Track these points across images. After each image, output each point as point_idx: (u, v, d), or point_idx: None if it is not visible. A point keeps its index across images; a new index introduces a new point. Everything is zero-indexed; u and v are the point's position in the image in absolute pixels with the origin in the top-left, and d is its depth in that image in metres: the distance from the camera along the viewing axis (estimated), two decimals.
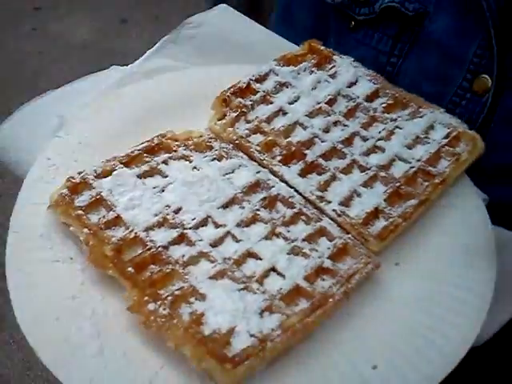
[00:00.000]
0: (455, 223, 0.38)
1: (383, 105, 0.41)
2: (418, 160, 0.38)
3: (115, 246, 0.33)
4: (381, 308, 0.34)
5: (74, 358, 0.29)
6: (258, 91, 0.43)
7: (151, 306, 0.30)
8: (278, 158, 0.39)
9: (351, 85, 0.43)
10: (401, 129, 0.40)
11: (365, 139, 0.40)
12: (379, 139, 0.40)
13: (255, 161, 0.40)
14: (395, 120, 0.40)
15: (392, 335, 0.32)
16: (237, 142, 0.40)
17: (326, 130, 0.41)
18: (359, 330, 0.33)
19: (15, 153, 0.44)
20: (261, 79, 0.44)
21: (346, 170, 0.38)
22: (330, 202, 0.37)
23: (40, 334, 0.30)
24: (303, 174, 0.38)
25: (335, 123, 0.41)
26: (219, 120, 0.42)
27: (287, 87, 0.43)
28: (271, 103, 0.42)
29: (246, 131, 0.41)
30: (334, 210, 0.36)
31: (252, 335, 0.29)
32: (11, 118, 0.46)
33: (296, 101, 0.42)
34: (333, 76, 0.44)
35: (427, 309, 0.34)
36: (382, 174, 0.38)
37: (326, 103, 0.42)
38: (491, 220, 0.38)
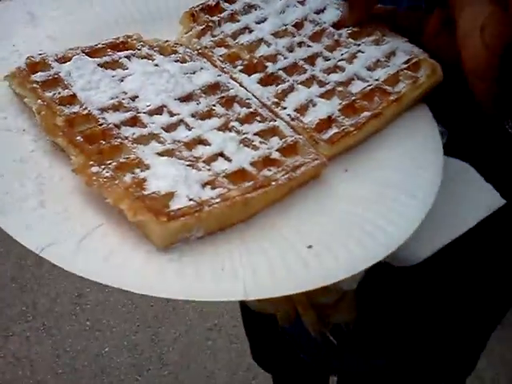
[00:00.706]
0: (407, 141, 0.39)
1: (348, 31, 0.42)
2: (377, 80, 0.39)
3: (67, 118, 0.33)
4: (323, 203, 0.35)
5: (13, 207, 0.29)
6: (226, 10, 0.43)
7: (95, 169, 0.31)
8: (239, 67, 0.40)
9: (319, 12, 0.43)
10: (363, 53, 0.41)
11: (327, 59, 0.41)
12: (341, 60, 0.40)
13: (217, 68, 0.40)
14: (358, 45, 0.41)
15: (330, 224, 0.33)
16: (200, 51, 0.41)
17: (290, 50, 0.41)
18: (299, 218, 0.34)
19: None
20: (230, 0, 0.44)
21: (305, 84, 0.39)
22: (285, 108, 0.38)
23: None
24: (262, 83, 0.39)
25: (299, 44, 0.42)
26: (186, 34, 0.42)
27: (255, 9, 0.44)
28: (238, 21, 0.43)
29: (211, 43, 0.41)
30: (288, 115, 0.37)
31: (191, 199, 0.30)
32: None
33: (263, 22, 0.43)
34: (302, 2, 0.44)
35: (369, 206, 0.35)
36: (340, 88, 0.39)
37: (292, 25, 0.42)
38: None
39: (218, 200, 0.30)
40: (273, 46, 0.41)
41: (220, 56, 0.40)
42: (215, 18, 0.43)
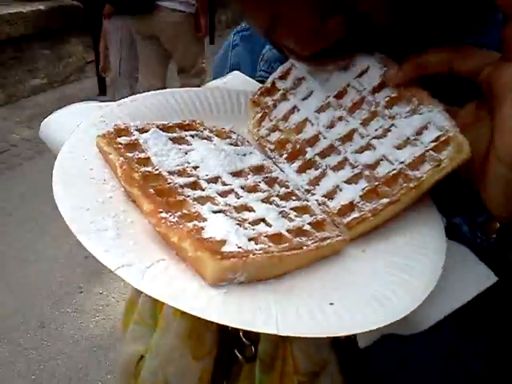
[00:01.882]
0: (416, 228, 0.43)
1: (386, 98, 0.43)
2: (402, 162, 0.41)
3: (142, 174, 0.41)
4: (342, 274, 0.41)
5: (96, 234, 0.36)
6: (280, 89, 0.48)
7: (163, 215, 0.38)
8: (285, 155, 0.46)
9: (362, 73, 0.44)
10: (396, 127, 0.42)
11: (362, 136, 0.43)
12: (374, 137, 0.43)
13: (267, 156, 0.47)
14: (393, 117, 0.42)
15: (348, 290, 0.39)
16: (258, 141, 0.48)
17: (331, 126, 0.45)
18: (322, 282, 0.39)
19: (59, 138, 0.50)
20: (283, 76, 0.48)
21: (337, 167, 0.44)
22: (314, 195, 0.44)
23: (74, 217, 0.37)
24: (301, 170, 0.45)
25: (339, 118, 0.44)
26: (252, 120, 0.49)
27: (305, 80, 0.46)
28: (288, 100, 0.47)
29: (267, 131, 0.47)
30: (316, 200, 0.44)
31: (239, 247, 0.36)
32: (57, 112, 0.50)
33: (309, 95, 0.46)
34: (347, 66, 0.45)
35: (381, 281, 0.40)
36: (367, 172, 0.42)
37: (334, 97, 0.45)
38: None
39: (260, 252, 0.37)
40: (315, 126, 0.45)
41: (272, 143, 0.47)
42: (271, 102, 0.48)
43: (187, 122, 0.49)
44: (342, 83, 0.44)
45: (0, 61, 4.55)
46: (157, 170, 0.42)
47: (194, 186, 0.42)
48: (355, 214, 0.41)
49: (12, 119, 4.48)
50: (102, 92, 5.04)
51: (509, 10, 0.33)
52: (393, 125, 0.41)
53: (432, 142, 0.39)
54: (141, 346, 0.60)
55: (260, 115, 0.48)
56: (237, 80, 0.59)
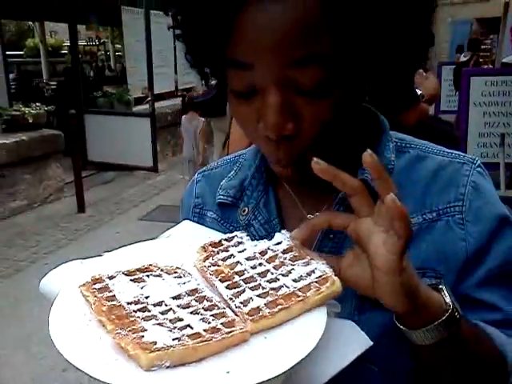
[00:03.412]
0: (303, 321, 0.51)
1: (291, 255, 0.58)
2: (295, 287, 0.53)
3: (108, 307, 0.56)
4: (242, 352, 0.48)
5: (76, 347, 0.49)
6: (223, 245, 0.62)
7: (119, 331, 0.50)
8: (220, 278, 0.60)
9: (278, 243, 0.60)
10: (295, 270, 0.56)
11: (272, 273, 0.56)
12: (281, 274, 0.56)
13: (205, 278, 0.59)
14: (293, 265, 0.56)
15: (243, 359, 0.47)
16: (201, 270, 0.62)
17: (254, 267, 0.58)
18: (226, 360, 0.47)
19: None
20: (228, 239, 0.63)
21: (253, 288, 0.55)
22: (234, 302, 0.56)
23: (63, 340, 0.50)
24: (229, 287, 0.56)
25: (260, 264, 0.58)
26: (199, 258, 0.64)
27: (242, 244, 0.62)
28: (228, 251, 0.61)
29: (209, 264, 0.62)
30: (235, 305, 0.56)
31: (164, 344, 0.47)
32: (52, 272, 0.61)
33: (243, 251, 0.61)
34: (263, 252, 0.60)
35: (274, 346, 0.48)
36: (272, 292, 0.54)
37: (259, 253, 0.60)
38: None
39: (179, 345, 0.51)
40: (243, 266, 0.58)
41: (212, 272, 0.62)
42: (216, 250, 0.65)
43: (145, 266, 0.60)
44: (265, 247, 0.60)
45: None
46: (119, 302, 0.53)
47: (144, 309, 0.53)
48: (259, 314, 0.51)
49: None
50: (81, 210, 5.35)
51: (344, 189, 0.51)
52: (293, 269, 0.56)
53: (316, 278, 0.53)
54: None
55: (205, 255, 0.61)
56: (186, 229, 0.71)
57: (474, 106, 3.21)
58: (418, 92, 2.34)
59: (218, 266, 0.60)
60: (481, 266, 0.61)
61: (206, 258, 0.61)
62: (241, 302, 0.54)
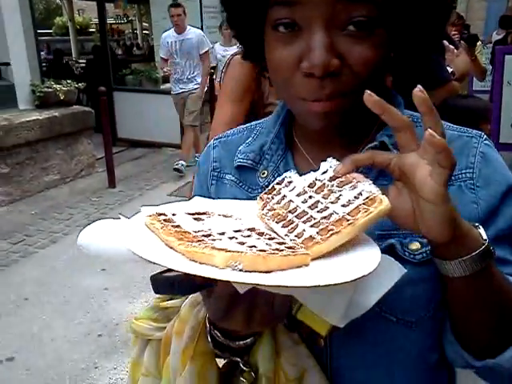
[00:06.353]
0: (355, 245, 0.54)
1: (337, 181, 0.59)
2: (344, 212, 0.54)
3: (175, 230, 0.53)
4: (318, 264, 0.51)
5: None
6: (276, 189, 0.64)
7: (188, 243, 0.49)
8: (276, 220, 0.60)
9: (323, 173, 0.61)
10: (343, 195, 0.57)
11: (322, 203, 0.58)
12: (330, 202, 0.57)
13: (266, 225, 0.61)
14: (341, 191, 0.57)
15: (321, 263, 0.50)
16: (260, 217, 0.64)
17: (304, 201, 0.60)
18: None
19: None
20: (279, 182, 0.65)
21: (305, 221, 0.57)
22: (289, 236, 0.57)
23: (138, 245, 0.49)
24: (284, 226, 0.58)
25: (310, 197, 0.60)
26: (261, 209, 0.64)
27: (291, 182, 0.64)
28: (280, 193, 0.64)
29: (267, 211, 0.62)
30: (290, 239, 0.56)
31: (236, 250, 0.48)
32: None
33: (293, 189, 0.63)
34: (314, 170, 0.62)
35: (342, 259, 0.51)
36: (322, 221, 0.55)
37: (308, 186, 0.61)
38: None
39: (250, 252, 0.48)
40: (295, 203, 0.60)
41: (269, 216, 0.63)
42: (270, 196, 0.63)
43: (205, 211, 0.63)
44: (312, 178, 0.61)
45: (17, 161, 5.03)
46: (185, 229, 0.53)
47: (209, 236, 0.53)
48: (312, 242, 0.53)
49: (27, 212, 4.86)
50: (112, 185, 5.47)
51: (392, 123, 0.52)
52: (341, 195, 0.57)
53: (364, 200, 0.54)
54: None
55: (263, 204, 0.64)
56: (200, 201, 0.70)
57: (507, 85, 3.15)
58: (450, 70, 2.31)
59: (274, 209, 0.62)
60: (492, 226, 0.64)
61: (264, 207, 0.63)
62: (295, 236, 0.56)
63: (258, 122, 0.81)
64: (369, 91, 0.51)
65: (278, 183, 0.65)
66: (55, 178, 5.50)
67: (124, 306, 3.27)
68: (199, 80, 5.86)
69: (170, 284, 0.50)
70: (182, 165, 5.82)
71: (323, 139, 0.70)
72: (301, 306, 0.60)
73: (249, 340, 0.63)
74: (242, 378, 0.64)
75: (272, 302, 0.53)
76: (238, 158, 0.76)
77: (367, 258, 0.51)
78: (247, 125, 0.82)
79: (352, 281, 0.46)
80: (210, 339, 0.64)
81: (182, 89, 5.85)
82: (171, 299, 0.78)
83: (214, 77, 6.21)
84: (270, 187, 0.65)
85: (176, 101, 5.97)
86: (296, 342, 0.66)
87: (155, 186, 5.63)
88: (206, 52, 5.84)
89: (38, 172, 5.30)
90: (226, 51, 6.12)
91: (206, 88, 5.99)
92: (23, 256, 4.00)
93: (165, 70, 5.93)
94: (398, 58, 0.65)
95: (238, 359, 0.64)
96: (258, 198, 0.65)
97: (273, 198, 0.64)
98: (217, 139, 0.83)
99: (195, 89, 5.84)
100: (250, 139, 0.78)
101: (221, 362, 0.69)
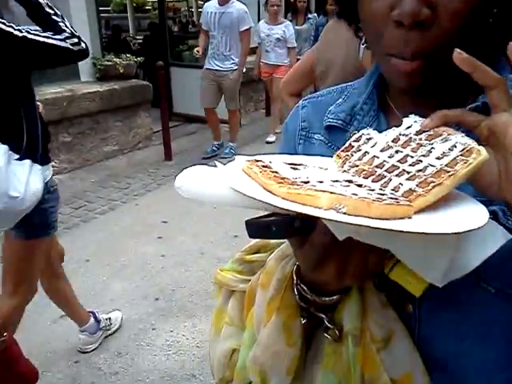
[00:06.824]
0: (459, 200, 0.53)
1: (426, 135, 0.56)
2: (441, 164, 0.52)
3: (274, 175, 0.51)
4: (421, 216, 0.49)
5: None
6: (354, 146, 0.62)
7: (289, 186, 0.48)
8: (363, 175, 0.60)
9: (408, 128, 0.58)
10: (435, 149, 0.54)
11: (413, 157, 0.55)
12: (422, 155, 0.55)
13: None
14: (432, 144, 0.55)
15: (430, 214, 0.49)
16: (342, 171, 0.62)
17: (391, 156, 0.57)
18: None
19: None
20: (357, 139, 0.63)
21: (398, 175, 0.54)
22: (385, 191, 0.53)
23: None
24: (374, 180, 0.56)
25: (396, 151, 0.57)
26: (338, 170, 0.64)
27: (371, 139, 0.62)
28: (360, 150, 0.63)
29: (348, 167, 0.62)
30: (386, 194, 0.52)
31: (341, 194, 0.46)
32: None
33: (375, 145, 0.60)
34: (397, 125, 0.60)
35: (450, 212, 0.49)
36: (419, 173, 0.53)
37: (391, 141, 0.59)
38: None
39: (355, 197, 0.46)
40: (381, 158, 0.57)
41: (353, 173, 0.62)
42: (349, 154, 0.61)
43: (300, 162, 0.61)
44: (395, 134, 0.59)
45: (78, 131, 5.21)
46: (283, 175, 0.52)
47: (307, 183, 0.51)
48: (413, 195, 0.51)
49: (88, 180, 5.05)
50: (168, 158, 5.59)
51: (484, 82, 0.49)
52: (433, 148, 0.54)
53: (460, 151, 0.52)
54: (234, 342, 0.74)
55: (341, 162, 0.62)
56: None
57: None
58: None
59: (357, 166, 0.60)
60: None
61: (343, 164, 0.61)
62: (392, 189, 0.53)
63: (349, 83, 0.80)
64: (458, 49, 0.49)
65: (355, 140, 0.63)
66: (114, 149, 5.68)
67: (180, 274, 3.36)
68: (236, 59, 5.48)
69: (266, 227, 0.49)
70: (232, 148, 5.79)
71: (418, 100, 0.67)
72: (394, 265, 0.57)
73: (335, 297, 0.62)
74: (326, 334, 0.64)
75: (367, 256, 0.52)
76: (328, 118, 0.75)
77: (474, 214, 0.49)
78: (337, 86, 0.81)
79: (461, 232, 0.44)
80: (296, 292, 0.63)
81: (216, 65, 5.49)
82: (256, 253, 0.78)
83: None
84: (346, 145, 0.63)
85: (206, 76, 5.58)
86: (384, 305, 0.64)
87: (209, 161, 5.72)
88: (246, 30, 5.41)
89: (98, 142, 5.48)
90: (272, 29, 5.98)
91: (244, 69, 5.61)
92: (84, 221, 4.17)
93: (195, 50, 5.65)
94: (501, 17, 0.60)
95: (323, 315, 0.63)
96: (335, 156, 0.63)
97: (352, 155, 0.62)
98: (306, 99, 0.83)
99: (231, 69, 5.48)
100: (340, 100, 0.77)
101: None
